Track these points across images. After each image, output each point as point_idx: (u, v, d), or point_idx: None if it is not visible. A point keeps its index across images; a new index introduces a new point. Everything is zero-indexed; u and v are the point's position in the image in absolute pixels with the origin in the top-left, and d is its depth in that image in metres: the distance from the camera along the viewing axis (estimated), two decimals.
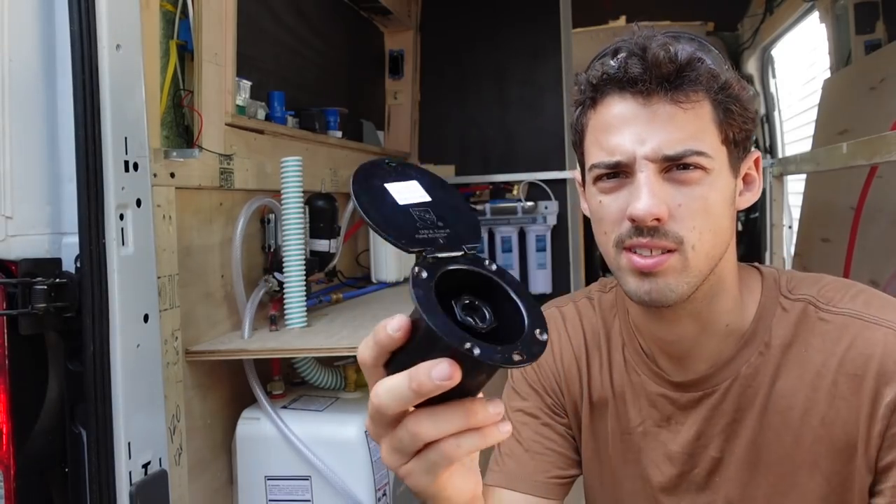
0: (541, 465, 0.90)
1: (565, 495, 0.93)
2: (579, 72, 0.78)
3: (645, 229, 0.71)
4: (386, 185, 0.57)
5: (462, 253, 0.54)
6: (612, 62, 0.73)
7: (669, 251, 0.71)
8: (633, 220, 0.71)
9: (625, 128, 0.72)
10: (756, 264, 0.85)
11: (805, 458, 0.75)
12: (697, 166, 0.71)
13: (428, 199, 0.58)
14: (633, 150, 0.71)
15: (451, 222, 0.56)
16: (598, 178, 0.75)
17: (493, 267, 0.53)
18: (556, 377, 0.93)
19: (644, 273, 0.72)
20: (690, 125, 0.71)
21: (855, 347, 0.73)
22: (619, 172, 0.73)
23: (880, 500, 0.73)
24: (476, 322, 0.49)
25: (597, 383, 0.90)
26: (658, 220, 0.70)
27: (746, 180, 0.80)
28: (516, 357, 0.47)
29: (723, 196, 0.74)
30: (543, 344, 0.49)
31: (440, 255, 0.53)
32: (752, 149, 0.80)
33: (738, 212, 0.80)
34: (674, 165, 0.71)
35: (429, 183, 0.59)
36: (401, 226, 0.54)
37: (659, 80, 0.70)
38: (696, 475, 0.82)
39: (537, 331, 0.49)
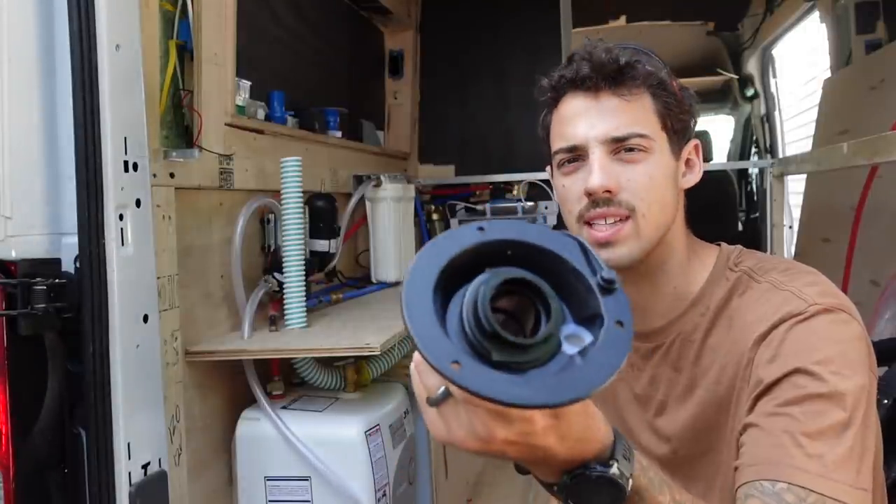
0: None
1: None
2: (541, 76, 0.92)
3: (600, 201, 0.85)
4: None
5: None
6: (567, 67, 0.88)
7: (623, 219, 0.85)
8: (589, 195, 0.85)
9: (579, 119, 0.87)
10: (720, 243, 0.96)
11: (724, 400, 0.86)
12: (640, 148, 0.86)
13: None
14: (585, 136, 0.86)
15: None
16: (560, 165, 0.90)
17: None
18: None
19: (602, 243, 0.85)
20: (633, 113, 0.86)
21: (761, 307, 0.84)
22: (577, 157, 0.88)
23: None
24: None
25: None
26: (609, 191, 0.84)
27: (688, 164, 0.94)
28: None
29: (664, 174, 0.88)
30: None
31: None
32: (693, 138, 0.94)
33: (740, 212, 0.85)
34: (621, 148, 0.86)
35: None
36: None
37: (604, 78, 0.86)
38: (648, 415, 0.96)
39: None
